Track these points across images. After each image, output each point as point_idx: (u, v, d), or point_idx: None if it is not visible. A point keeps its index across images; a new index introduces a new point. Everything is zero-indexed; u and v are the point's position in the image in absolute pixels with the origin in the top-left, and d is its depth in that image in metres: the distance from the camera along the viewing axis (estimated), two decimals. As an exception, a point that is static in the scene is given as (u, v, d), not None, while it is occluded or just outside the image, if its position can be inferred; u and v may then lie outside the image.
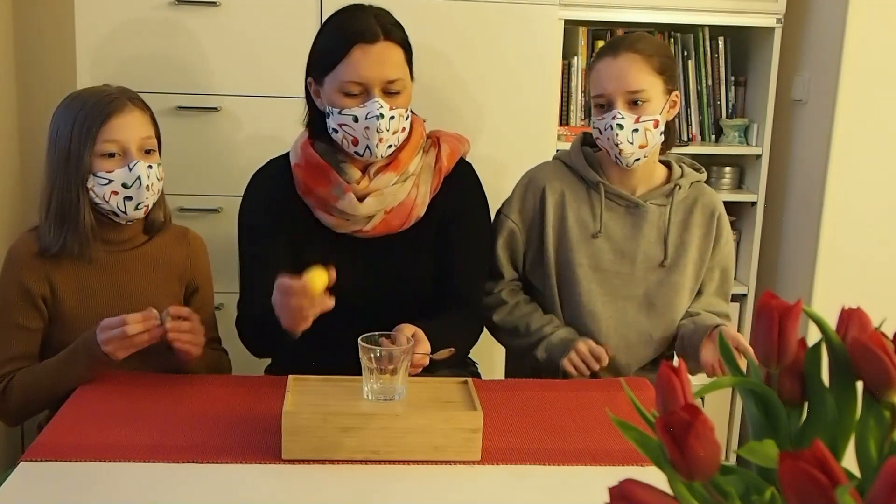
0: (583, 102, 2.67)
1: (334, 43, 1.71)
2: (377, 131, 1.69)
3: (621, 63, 1.81)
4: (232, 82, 2.40)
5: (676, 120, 2.00)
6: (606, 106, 1.83)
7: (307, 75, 1.79)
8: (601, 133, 1.84)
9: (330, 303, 1.49)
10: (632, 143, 1.81)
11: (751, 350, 1.71)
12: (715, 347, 1.79)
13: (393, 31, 1.72)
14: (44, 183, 1.73)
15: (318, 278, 1.46)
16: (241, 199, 1.87)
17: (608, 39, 1.94)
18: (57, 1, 2.57)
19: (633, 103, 1.82)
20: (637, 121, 1.81)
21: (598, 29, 2.64)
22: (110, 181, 1.69)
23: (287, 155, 1.86)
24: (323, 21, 1.83)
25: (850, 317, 0.78)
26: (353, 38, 1.69)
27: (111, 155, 1.69)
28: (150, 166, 1.71)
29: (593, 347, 1.84)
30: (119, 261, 1.77)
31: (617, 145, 1.81)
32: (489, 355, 2.10)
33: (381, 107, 1.69)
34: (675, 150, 2.12)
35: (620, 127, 1.80)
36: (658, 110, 1.83)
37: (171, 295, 1.79)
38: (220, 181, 2.41)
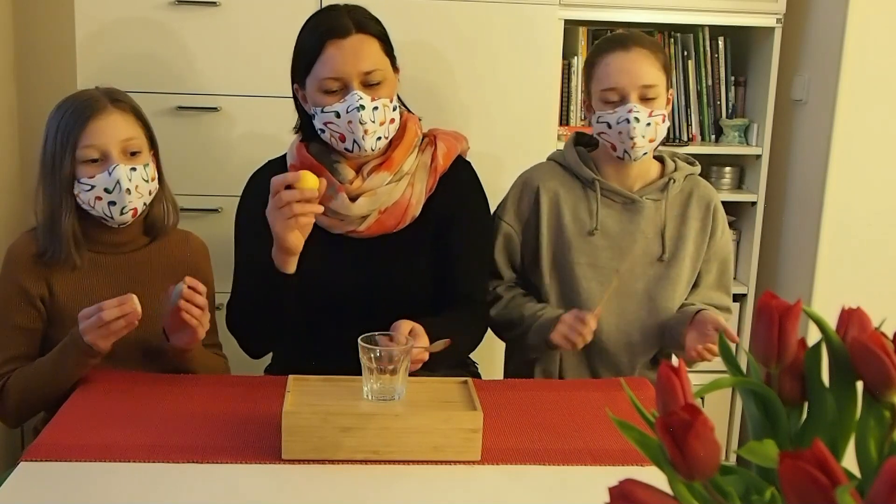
0: (583, 103, 2.67)
1: (309, 43, 1.73)
2: (360, 123, 1.69)
3: (634, 56, 1.82)
4: (232, 82, 2.40)
5: (669, 119, 2.00)
6: (619, 100, 1.83)
7: (293, 82, 1.79)
8: (610, 127, 1.83)
9: (319, 207, 1.56)
10: (644, 137, 1.82)
11: (730, 329, 1.73)
12: (697, 333, 1.79)
13: (366, 24, 1.72)
14: (35, 189, 1.73)
15: (310, 176, 1.53)
16: (237, 202, 1.87)
17: (604, 37, 1.93)
18: (57, 1, 2.57)
19: (645, 98, 1.82)
20: (650, 115, 1.81)
21: (598, 29, 2.64)
22: (92, 187, 1.67)
23: (284, 156, 1.86)
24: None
25: (850, 317, 0.78)
26: (325, 35, 1.70)
27: (94, 160, 1.67)
28: (132, 169, 1.69)
29: (578, 313, 1.80)
30: (118, 263, 1.77)
31: (632, 138, 1.81)
32: (489, 355, 2.10)
33: (361, 98, 1.69)
34: (676, 150, 2.12)
35: (637, 120, 1.80)
36: (664, 106, 1.84)
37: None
38: (219, 181, 2.41)
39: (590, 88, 1.90)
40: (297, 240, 1.57)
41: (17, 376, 1.68)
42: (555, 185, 1.94)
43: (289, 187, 1.54)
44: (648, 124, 1.81)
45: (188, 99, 2.39)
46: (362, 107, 1.68)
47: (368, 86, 1.71)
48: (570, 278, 1.91)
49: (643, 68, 1.81)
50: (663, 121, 1.84)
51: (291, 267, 1.62)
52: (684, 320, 1.84)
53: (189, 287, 1.60)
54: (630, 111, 1.80)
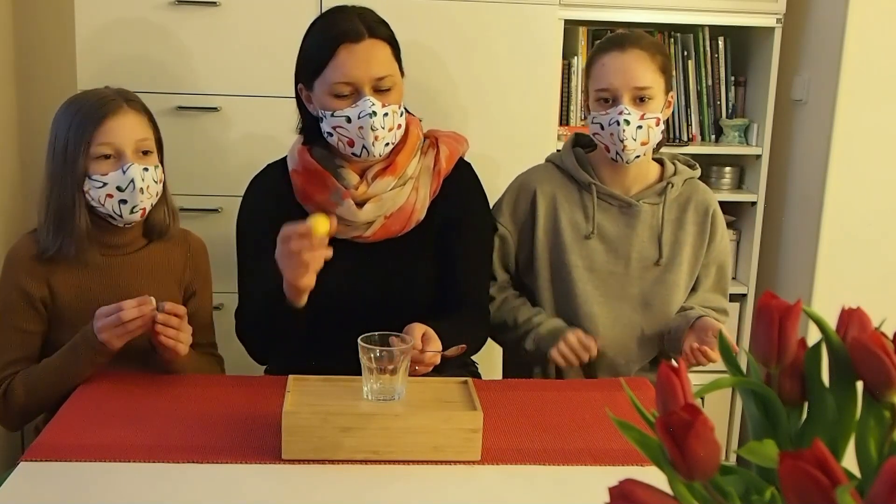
0: (583, 102, 2.67)
1: (320, 46, 1.71)
2: (371, 129, 1.68)
3: (629, 58, 1.81)
4: (232, 82, 2.40)
5: (670, 120, 2.00)
6: (612, 101, 1.82)
7: (297, 82, 1.78)
8: (603, 128, 1.83)
9: (329, 252, 1.52)
10: (635, 140, 1.81)
11: (730, 337, 1.73)
12: (695, 337, 1.79)
13: (377, 29, 1.71)
14: (42, 185, 1.73)
15: (321, 222, 1.50)
16: (239, 203, 1.87)
17: (606, 36, 1.93)
18: (57, 1, 2.57)
19: (639, 100, 1.81)
20: (642, 117, 1.80)
21: (598, 29, 2.64)
22: (105, 184, 1.68)
23: (284, 160, 1.85)
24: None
25: (850, 317, 0.78)
26: (338, 38, 1.68)
27: (106, 157, 1.68)
28: (145, 169, 1.70)
29: (582, 337, 1.82)
30: (118, 264, 1.77)
31: (622, 141, 1.81)
32: (489, 355, 2.10)
33: (373, 105, 1.68)
34: (676, 150, 2.12)
35: (627, 122, 1.79)
36: (659, 109, 1.84)
37: (169, 298, 1.77)
38: (219, 181, 2.41)
39: (587, 86, 1.90)
40: (308, 280, 1.55)
41: (23, 377, 1.68)
42: (552, 189, 1.93)
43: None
44: (640, 127, 1.80)
45: (188, 99, 2.39)
46: (374, 113, 1.68)
47: (379, 91, 1.70)
48: (567, 281, 1.91)
49: (637, 70, 1.81)
50: (657, 124, 1.83)
51: (303, 301, 1.60)
52: (685, 325, 1.84)
53: (168, 313, 1.60)
54: (621, 113, 1.80)
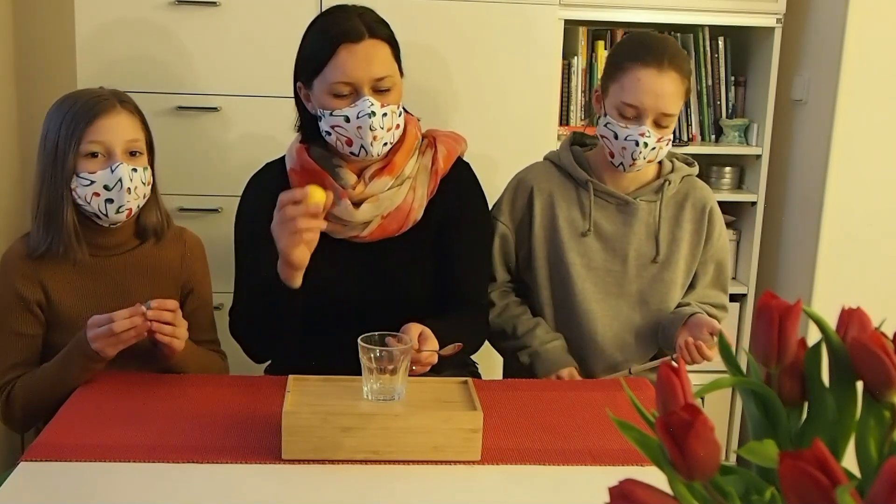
0: (583, 102, 2.67)
1: (320, 45, 1.71)
2: (370, 129, 1.68)
3: (666, 82, 1.78)
4: (231, 82, 2.40)
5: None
6: (635, 118, 1.80)
7: (295, 80, 1.78)
8: (616, 138, 1.81)
9: (323, 223, 1.54)
10: (645, 159, 1.81)
11: (725, 333, 1.73)
12: (689, 333, 1.80)
13: (377, 29, 1.71)
14: (34, 182, 1.73)
15: (318, 191, 1.52)
16: (237, 202, 1.87)
17: (640, 38, 1.88)
18: (57, 1, 2.57)
19: (660, 124, 1.80)
20: (659, 140, 1.80)
21: (598, 29, 2.64)
22: (92, 182, 1.67)
23: (283, 159, 1.85)
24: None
25: (850, 317, 0.78)
26: (338, 38, 1.68)
27: (94, 155, 1.67)
28: (134, 169, 1.69)
29: (574, 379, 1.86)
30: (113, 264, 1.76)
31: (633, 158, 1.81)
32: (489, 356, 2.10)
33: (372, 105, 1.68)
34: (676, 150, 2.12)
35: (646, 145, 1.79)
36: (673, 128, 1.84)
37: (166, 297, 1.77)
38: (219, 181, 2.41)
39: (608, 85, 1.85)
40: (302, 254, 1.55)
41: (23, 381, 1.68)
42: (549, 186, 1.94)
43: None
44: (654, 148, 1.81)
45: (188, 99, 2.39)
46: (373, 113, 1.68)
47: (378, 92, 1.70)
48: (565, 279, 1.91)
49: (670, 96, 1.78)
50: (667, 144, 1.84)
51: (297, 281, 1.60)
52: (678, 321, 1.84)
53: (156, 309, 1.60)
54: (642, 134, 1.78)
